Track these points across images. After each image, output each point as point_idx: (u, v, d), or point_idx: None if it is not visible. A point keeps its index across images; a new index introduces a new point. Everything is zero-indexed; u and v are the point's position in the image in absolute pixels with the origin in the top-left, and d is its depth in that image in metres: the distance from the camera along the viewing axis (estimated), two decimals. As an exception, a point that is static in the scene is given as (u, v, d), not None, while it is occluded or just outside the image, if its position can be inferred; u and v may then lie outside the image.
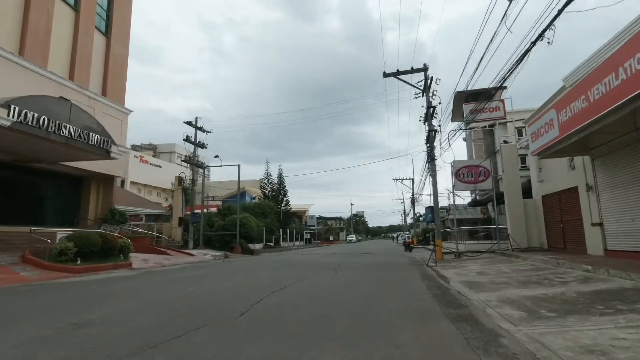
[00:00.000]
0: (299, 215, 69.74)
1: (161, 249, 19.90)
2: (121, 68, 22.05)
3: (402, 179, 40.93)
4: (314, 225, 65.06)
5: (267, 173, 50.20)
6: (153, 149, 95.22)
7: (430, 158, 18.55)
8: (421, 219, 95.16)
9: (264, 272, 12.14)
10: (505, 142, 16.70)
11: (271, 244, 38.32)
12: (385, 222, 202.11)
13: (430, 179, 18.89)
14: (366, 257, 20.94)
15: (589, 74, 8.13)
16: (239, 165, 26.61)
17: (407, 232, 45.81)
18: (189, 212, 26.98)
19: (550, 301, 5.73)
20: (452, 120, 50.33)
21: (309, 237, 61.64)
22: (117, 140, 20.43)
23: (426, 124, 18.57)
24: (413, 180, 40.50)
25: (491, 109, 17.19)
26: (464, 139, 44.45)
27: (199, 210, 27.16)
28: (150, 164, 74.84)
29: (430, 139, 18.20)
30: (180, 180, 27.33)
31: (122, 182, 68.52)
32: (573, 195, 12.72)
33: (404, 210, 71.19)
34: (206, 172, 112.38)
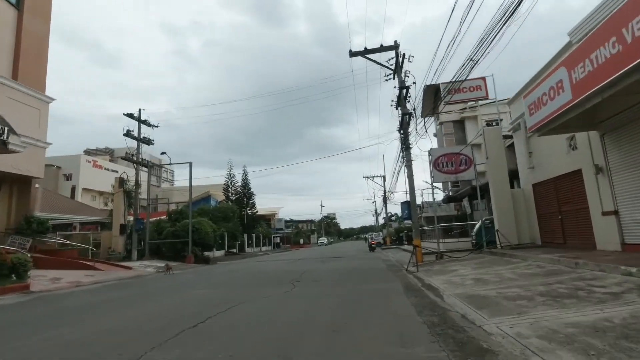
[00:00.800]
0: (268, 219, 66.51)
1: (89, 263, 16.44)
2: (39, 48, 18.44)
3: (372, 177, 38.93)
4: (282, 229, 61.91)
5: (230, 175, 46.83)
6: (110, 153, 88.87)
7: (405, 146, 16.28)
8: (393, 218, 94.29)
9: (198, 292, 9.28)
10: (488, 124, 14.66)
11: (234, 250, 35.09)
12: (357, 223, 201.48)
13: (405, 170, 16.63)
14: (336, 261, 18.41)
15: (627, 2, 5.93)
16: (190, 163, 23.42)
17: (371, 234, 43.84)
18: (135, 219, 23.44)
19: (634, 338, 3.32)
20: (422, 115, 49.03)
21: (278, 241, 58.59)
22: (34, 132, 16.84)
23: (399, 108, 16.31)
24: (384, 177, 38.64)
25: (472, 88, 15.15)
26: (435, 134, 42.89)
27: (146, 216, 23.66)
28: (106, 169, 69.35)
29: (403, 124, 15.94)
30: (121, 181, 23.71)
31: (73, 189, 62.90)
32: (575, 181, 10.73)
33: (375, 210, 69.61)
34: (169, 177, 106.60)
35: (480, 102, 19.79)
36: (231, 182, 46.60)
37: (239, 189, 47.87)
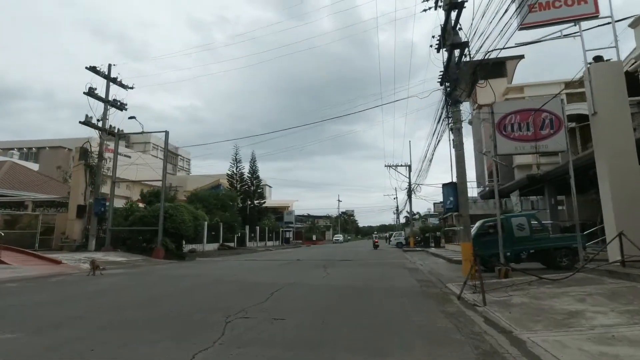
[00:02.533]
0: (280, 211, 61.75)
1: (-4, 254, 11.79)
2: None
3: (396, 166, 33.22)
4: (292, 223, 56.71)
5: (236, 159, 41.86)
6: (126, 138, 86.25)
7: (453, 100, 10.75)
8: (416, 216, 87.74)
9: (56, 320, 4.19)
10: (598, 58, 8.87)
11: (231, 244, 30.27)
12: (376, 222, 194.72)
13: (450, 138, 11.08)
14: (342, 268, 13.11)
15: None
16: (166, 132, 18.55)
17: (391, 232, 38.21)
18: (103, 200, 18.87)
19: None
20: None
21: (288, 236, 53.66)
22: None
23: (442, 48, 10.74)
24: (409, 167, 32.86)
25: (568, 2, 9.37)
26: (470, 122, 36.11)
27: (110, 197, 19.02)
28: (119, 153, 66.04)
29: (450, 64, 10.39)
30: (83, 152, 19.15)
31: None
32: None
33: (397, 208, 63.62)
34: (185, 166, 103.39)
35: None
36: (236, 169, 41.71)
37: (245, 177, 42.95)
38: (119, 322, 4.98)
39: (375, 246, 35.78)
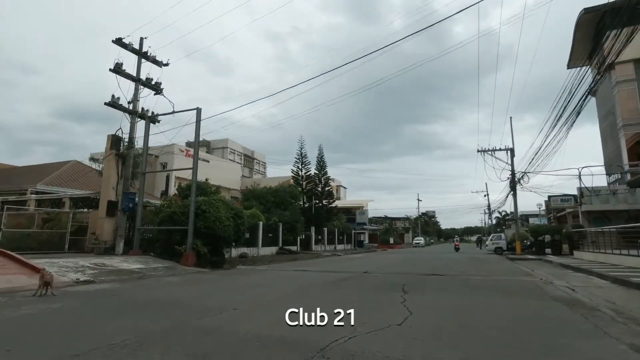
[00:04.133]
0: (353, 212, 56.98)
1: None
2: None
3: (492, 150, 26.07)
4: (365, 224, 51.17)
5: (301, 154, 38.09)
6: (206, 145, 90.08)
7: None
8: (508, 217, 75.79)
9: None
10: None
11: (293, 247, 26.32)
12: (459, 223, 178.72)
13: None
14: (433, 294, 7.78)
15: None
16: (197, 109, 15.02)
17: (493, 235, 30.72)
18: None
19: None
20: (570, 65, 33.65)
21: (362, 239, 48.58)
22: None
23: None
24: (512, 150, 25.47)
25: None
26: (592, 93, 27.01)
27: (139, 191, 16.11)
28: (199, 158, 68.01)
29: None
30: (115, 141, 16.58)
31: (167, 177, 62.64)
32: None
33: (488, 206, 54.37)
34: (261, 169, 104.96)
35: None
36: (302, 163, 37.86)
37: (312, 174, 38.94)
38: None
39: (456, 249, 37.58)
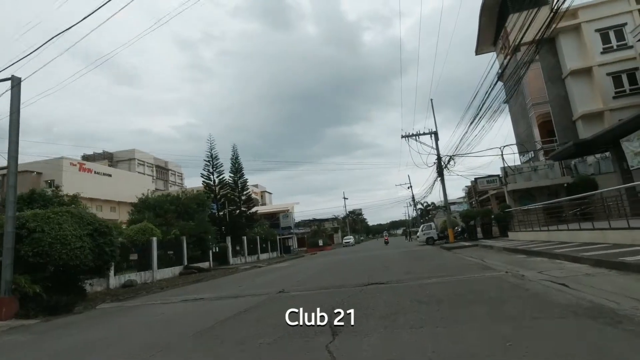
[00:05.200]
0: (278, 216, 53.10)
1: None
2: None
3: (416, 135, 24.47)
4: (290, 228, 47.48)
5: (212, 156, 33.09)
6: (109, 157, 78.29)
7: None
8: (430, 207, 78.56)
9: None
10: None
11: (204, 264, 21.65)
12: (385, 219, 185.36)
13: None
14: (381, 329, 4.44)
15: None
16: (13, 78, 9.95)
17: (430, 224, 29.58)
18: None
19: None
20: (478, 52, 34.00)
21: (290, 244, 44.95)
22: None
23: None
24: (436, 133, 24.07)
25: None
26: (500, 78, 27.21)
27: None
28: (97, 172, 58.00)
29: None
30: None
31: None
32: None
33: (413, 198, 54.72)
34: (177, 180, 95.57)
35: None
36: (213, 166, 32.92)
37: (225, 177, 34.19)
38: None
39: (386, 242, 40.96)
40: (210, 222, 23.51)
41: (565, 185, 21.31)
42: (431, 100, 24.27)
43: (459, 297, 6.18)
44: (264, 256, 32.84)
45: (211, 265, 22.78)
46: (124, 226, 19.37)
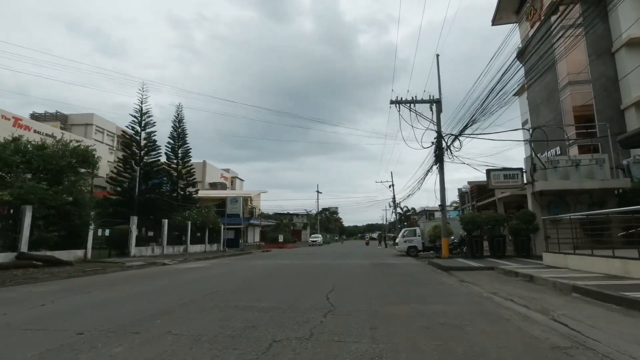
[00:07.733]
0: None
1: None
2: None
3: (412, 102, 17.42)
4: (238, 215, 38.94)
5: (141, 108, 24.92)
6: (62, 119, 68.24)
7: None
8: (409, 212, 72.09)
9: None
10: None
11: (67, 254, 13.93)
12: (362, 221, 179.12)
13: None
14: None
15: None
16: None
17: (414, 229, 22.55)
18: None
19: None
20: (496, 21, 28.39)
21: (239, 237, 37.17)
22: None
23: None
24: (438, 102, 17.16)
25: None
26: (519, 56, 19.47)
27: None
28: (36, 131, 48.52)
29: None
30: None
31: None
32: None
33: (394, 199, 47.96)
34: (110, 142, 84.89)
35: None
36: (141, 123, 24.79)
37: (154, 140, 25.76)
38: None
39: (367, 244, 43.72)
40: (122, 197, 15.72)
41: (618, 192, 14.65)
42: (437, 55, 17.10)
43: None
44: (196, 248, 25.17)
45: (88, 255, 15.05)
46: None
